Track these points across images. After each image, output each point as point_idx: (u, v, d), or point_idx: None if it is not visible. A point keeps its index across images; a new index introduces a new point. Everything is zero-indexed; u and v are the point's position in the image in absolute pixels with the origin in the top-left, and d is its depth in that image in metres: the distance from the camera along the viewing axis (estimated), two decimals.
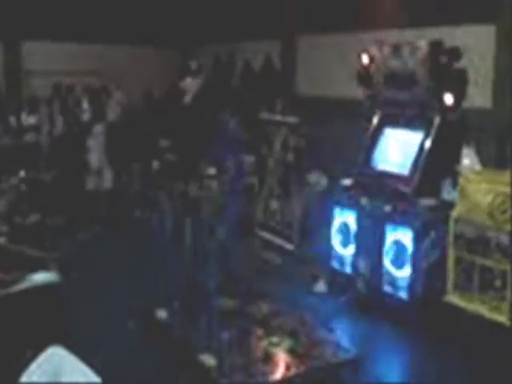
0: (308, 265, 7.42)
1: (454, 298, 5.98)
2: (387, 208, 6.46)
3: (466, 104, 6.54)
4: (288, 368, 5.01)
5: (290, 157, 8.97)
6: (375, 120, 7.24)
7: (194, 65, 12.82)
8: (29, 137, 11.28)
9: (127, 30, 14.29)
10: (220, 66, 14.50)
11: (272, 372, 4.98)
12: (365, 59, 7.17)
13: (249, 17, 13.24)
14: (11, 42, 13.99)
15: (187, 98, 12.06)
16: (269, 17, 12.69)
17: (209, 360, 5.06)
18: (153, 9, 14.66)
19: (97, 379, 3.66)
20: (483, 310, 5.69)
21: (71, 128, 11.52)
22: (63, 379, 3.51)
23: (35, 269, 4.97)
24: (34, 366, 3.60)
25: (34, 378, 3.53)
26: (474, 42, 8.44)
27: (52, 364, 3.58)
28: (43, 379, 3.51)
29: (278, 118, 9.59)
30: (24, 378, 3.55)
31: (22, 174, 9.29)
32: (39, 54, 13.85)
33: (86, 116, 11.44)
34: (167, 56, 15.70)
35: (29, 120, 11.41)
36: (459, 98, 6.44)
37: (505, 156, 7.92)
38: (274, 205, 8.98)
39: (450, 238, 6.03)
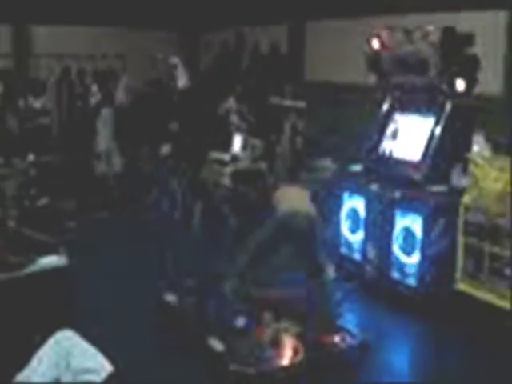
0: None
1: (463, 286, 5.97)
2: (397, 194, 6.43)
3: (477, 90, 6.49)
4: (296, 353, 5.02)
5: (299, 142, 8.95)
6: (385, 105, 7.20)
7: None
8: (38, 120, 11.27)
9: (135, 14, 14.22)
10: (228, 51, 14.44)
11: (280, 357, 4.99)
12: (375, 44, 7.12)
13: (257, 1, 13.15)
14: (20, 25, 13.96)
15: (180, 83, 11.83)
16: (277, 1, 12.60)
17: (218, 345, 5.08)
18: None
19: (106, 362, 3.67)
20: (492, 298, 5.67)
21: (80, 111, 11.51)
22: (73, 362, 3.53)
23: (44, 252, 4.98)
24: (43, 350, 3.62)
25: (44, 362, 3.55)
26: (485, 28, 8.35)
27: (61, 347, 3.60)
28: (53, 362, 3.53)
29: (287, 103, 9.56)
30: (34, 362, 3.57)
31: (31, 157, 9.29)
32: (47, 38, 13.79)
33: (94, 100, 11.42)
34: (173, 40, 15.64)
35: (38, 103, 11.40)
36: (471, 83, 6.39)
37: None
38: None
39: (460, 225, 6.00)
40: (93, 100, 11.49)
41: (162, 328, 5.70)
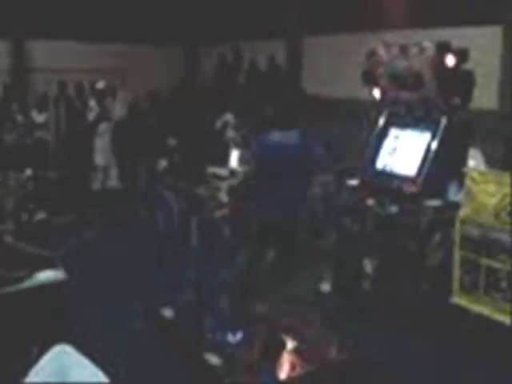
0: (313, 264, 7.42)
1: (459, 300, 5.98)
2: (393, 208, 6.46)
3: (472, 105, 6.54)
4: (293, 368, 5.02)
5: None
6: (381, 120, 7.24)
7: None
8: (36, 135, 11.30)
9: (132, 29, 14.32)
10: (225, 65, 14.52)
11: (278, 372, 4.99)
12: (372, 60, 7.17)
13: (255, 16, 13.25)
14: (17, 40, 14.03)
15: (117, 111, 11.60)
16: (274, 16, 12.70)
17: (214, 359, 5.08)
18: (158, 8, 14.69)
19: (104, 377, 3.67)
20: (489, 312, 5.68)
21: (78, 126, 11.54)
22: (70, 377, 3.52)
23: (41, 267, 4.98)
24: (40, 365, 3.61)
25: (41, 377, 3.53)
26: (481, 43, 8.42)
27: (59, 362, 3.59)
28: (50, 378, 3.51)
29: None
30: (31, 377, 3.56)
31: (29, 172, 9.31)
32: (45, 53, 13.88)
33: (92, 115, 11.45)
34: (173, 55, 15.74)
35: (39, 118, 11.44)
36: (466, 99, 6.45)
37: (511, 157, 7.90)
38: None
39: (456, 239, 6.02)
40: (91, 115, 11.51)
41: (159, 342, 5.70)
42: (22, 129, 11.14)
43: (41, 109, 11.55)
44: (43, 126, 11.41)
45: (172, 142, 9.91)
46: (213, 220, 8.48)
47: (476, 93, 6.48)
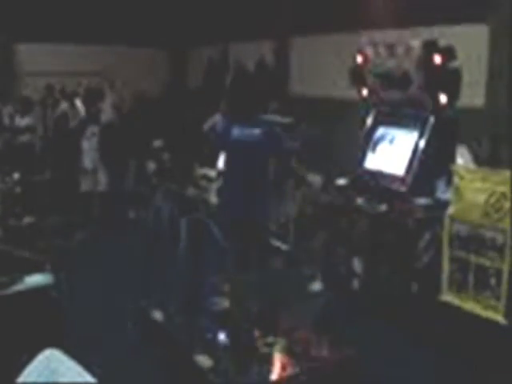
0: (303, 265, 7.41)
1: (449, 297, 5.99)
2: (382, 207, 6.47)
3: (460, 103, 6.56)
4: (284, 368, 5.01)
5: (285, 156, 8.96)
6: (370, 120, 7.25)
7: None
8: (23, 138, 11.24)
9: (120, 31, 14.29)
10: (213, 67, 14.50)
11: (269, 373, 4.98)
12: (359, 59, 7.19)
13: (242, 17, 13.24)
14: (4, 43, 13.97)
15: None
16: (262, 17, 12.69)
17: (205, 361, 5.06)
18: (146, 9, 14.66)
19: (93, 381, 3.64)
20: (479, 309, 5.69)
21: (65, 129, 11.48)
22: (60, 382, 3.50)
23: (30, 271, 4.96)
24: (29, 369, 3.58)
25: (30, 382, 3.51)
26: (468, 42, 8.44)
27: (48, 367, 3.56)
28: (39, 382, 3.49)
29: (272, 118, 9.57)
30: (19, 382, 3.53)
31: (17, 175, 9.25)
32: (33, 56, 13.82)
33: (80, 117, 11.39)
34: (159, 57, 15.72)
35: (23, 121, 11.37)
36: (453, 97, 6.47)
37: (499, 155, 7.93)
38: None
39: (445, 237, 6.03)
40: (78, 117, 11.46)
41: (149, 346, 5.67)
42: (9, 133, 11.08)
43: (23, 112, 11.47)
44: (28, 129, 11.34)
45: (157, 142, 9.88)
46: (202, 221, 8.46)
47: (463, 90, 6.51)
